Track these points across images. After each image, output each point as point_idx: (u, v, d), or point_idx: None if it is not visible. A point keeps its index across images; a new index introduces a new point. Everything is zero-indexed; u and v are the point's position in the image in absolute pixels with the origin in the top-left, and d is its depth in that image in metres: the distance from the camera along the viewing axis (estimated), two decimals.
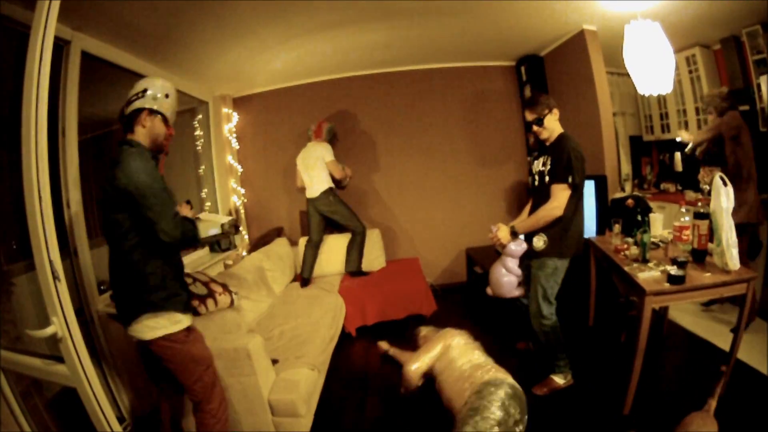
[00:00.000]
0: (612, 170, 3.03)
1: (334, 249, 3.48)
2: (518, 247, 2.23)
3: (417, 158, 3.91)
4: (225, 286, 2.21)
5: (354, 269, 3.36)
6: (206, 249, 3.22)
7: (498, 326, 2.82)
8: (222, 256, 3.22)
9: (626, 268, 1.91)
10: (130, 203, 1.31)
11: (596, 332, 2.61)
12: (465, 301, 3.57)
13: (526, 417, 1.44)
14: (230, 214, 3.54)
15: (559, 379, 2.10)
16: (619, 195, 2.71)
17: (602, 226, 2.67)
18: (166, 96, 1.44)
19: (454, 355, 1.68)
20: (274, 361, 2.02)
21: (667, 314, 2.56)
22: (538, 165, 2.06)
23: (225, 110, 3.60)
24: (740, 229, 1.91)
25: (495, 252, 3.21)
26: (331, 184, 3.22)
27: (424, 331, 2.04)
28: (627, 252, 2.07)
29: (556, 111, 1.99)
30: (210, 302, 2.04)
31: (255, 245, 3.50)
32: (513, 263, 2.42)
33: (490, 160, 3.94)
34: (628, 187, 3.95)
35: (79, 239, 1.98)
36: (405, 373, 1.72)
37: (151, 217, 1.31)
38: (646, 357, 1.78)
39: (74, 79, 1.99)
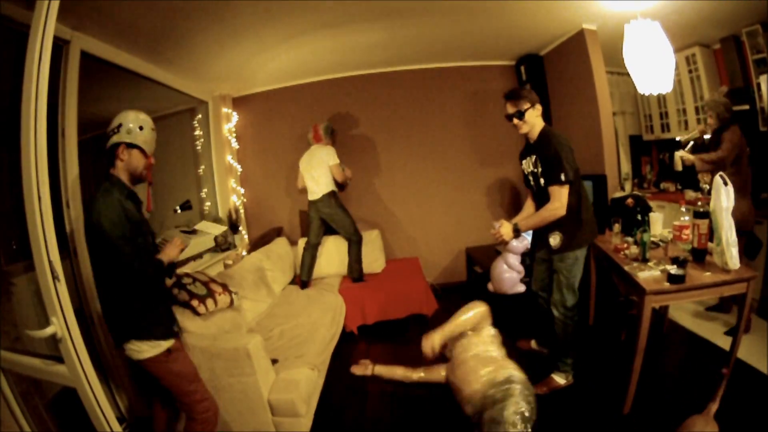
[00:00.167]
0: (612, 170, 3.03)
1: (334, 250, 3.48)
2: (520, 244, 2.23)
3: (417, 158, 3.91)
4: (225, 286, 2.21)
5: (356, 276, 3.35)
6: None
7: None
8: (222, 256, 3.22)
9: (626, 268, 1.91)
10: (97, 244, 1.42)
11: (596, 331, 2.61)
12: (465, 300, 3.56)
13: (535, 418, 1.45)
14: (230, 213, 3.53)
15: (559, 379, 2.10)
16: (618, 194, 2.71)
17: (602, 226, 2.67)
18: (140, 128, 1.48)
19: (476, 341, 1.76)
20: (274, 361, 2.02)
21: (667, 313, 2.56)
22: (528, 165, 2.06)
23: (225, 110, 3.60)
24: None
25: (495, 251, 3.22)
26: (334, 188, 3.21)
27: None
28: (627, 251, 2.07)
29: (538, 106, 1.97)
30: (210, 302, 2.04)
31: (255, 245, 3.50)
32: (515, 260, 2.42)
33: (490, 160, 3.94)
34: (627, 186, 3.95)
35: (79, 239, 1.97)
36: (424, 342, 1.84)
37: (111, 261, 1.40)
38: (646, 356, 1.78)
39: (74, 79, 1.98)
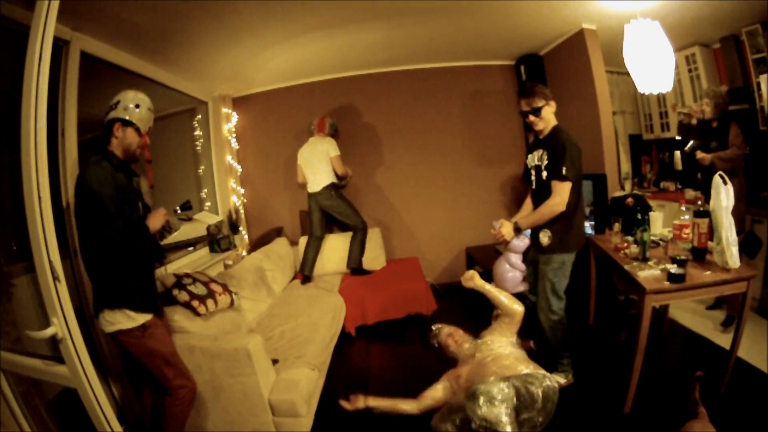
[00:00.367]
0: (612, 169, 3.03)
1: (335, 248, 3.48)
2: (521, 242, 2.23)
3: (417, 157, 3.91)
4: (225, 287, 2.21)
5: (355, 266, 3.35)
6: (206, 249, 3.22)
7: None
8: (222, 256, 3.22)
9: (626, 267, 1.91)
10: (84, 206, 1.43)
11: (596, 331, 2.61)
12: (465, 300, 3.57)
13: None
14: (230, 214, 3.54)
15: (560, 378, 2.09)
16: (618, 194, 2.71)
17: (602, 225, 2.67)
18: (137, 106, 1.51)
19: (489, 339, 1.73)
20: (275, 361, 2.02)
21: (668, 312, 2.56)
22: (533, 159, 2.05)
23: (224, 110, 3.60)
24: None
25: (495, 251, 3.22)
26: (334, 180, 3.21)
27: (446, 329, 1.91)
28: (627, 250, 2.07)
29: (553, 103, 1.97)
30: (210, 302, 2.04)
31: (255, 245, 3.50)
32: (516, 258, 2.42)
33: (490, 159, 3.94)
34: (627, 185, 3.95)
35: (78, 240, 1.97)
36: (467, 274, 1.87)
37: (96, 221, 1.40)
38: (647, 356, 1.78)
39: (74, 80, 1.98)
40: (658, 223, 2.32)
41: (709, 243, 1.89)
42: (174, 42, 2.41)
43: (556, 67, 3.50)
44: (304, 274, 3.33)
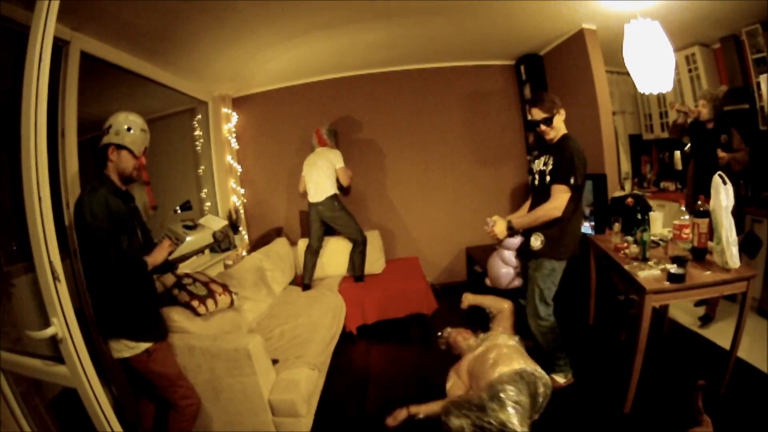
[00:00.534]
0: (612, 169, 3.03)
1: (335, 251, 3.48)
2: (515, 239, 2.23)
3: (416, 157, 3.91)
4: (225, 287, 2.21)
5: (357, 275, 3.35)
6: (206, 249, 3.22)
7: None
8: (222, 256, 3.22)
9: (626, 267, 1.91)
10: (81, 234, 1.45)
11: (596, 331, 2.61)
12: None
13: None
14: (230, 213, 3.53)
15: (559, 378, 2.10)
16: (618, 194, 2.71)
17: (602, 225, 2.67)
18: (128, 129, 1.51)
19: (492, 334, 1.86)
20: (275, 361, 2.02)
21: (668, 312, 2.56)
22: (539, 164, 2.05)
23: (224, 110, 3.60)
24: None
25: (494, 250, 3.22)
26: (337, 191, 3.20)
27: (455, 330, 2.02)
28: (627, 250, 2.07)
29: (563, 111, 1.96)
30: (210, 302, 2.04)
31: (255, 245, 3.50)
32: (510, 255, 2.42)
33: (490, 159, 3.94)
34: (627, 185, 3.95)
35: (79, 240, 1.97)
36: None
37: (91, 253, 1.44)
38: (647, 355, 1.78)
39: (73, 80, 1.98)
40: (658, 223, 2.32)
41: (709, 243, 1.89)
42: (174, 42, 2.41)
43: (556, 67, 3.50)
44: (304, 282, 3.32)
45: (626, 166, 4.10)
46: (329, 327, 2.55)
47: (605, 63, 3.03)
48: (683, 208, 2.08)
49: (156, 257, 1.55)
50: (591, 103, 3.05)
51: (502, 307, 2.01)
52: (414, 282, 3.17)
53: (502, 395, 1.44)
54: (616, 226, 2.28)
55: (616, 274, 2.14)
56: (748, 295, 1.75)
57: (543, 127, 1.95)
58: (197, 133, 3.50)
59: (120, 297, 1.49)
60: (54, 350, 1.33)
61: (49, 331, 1.24)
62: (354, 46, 3.09)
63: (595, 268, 2.54)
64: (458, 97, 3.88)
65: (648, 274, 1.79)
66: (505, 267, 2.41)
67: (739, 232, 1.82)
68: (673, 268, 1.72)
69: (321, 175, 3.16)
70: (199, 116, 3.50)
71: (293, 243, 3.68)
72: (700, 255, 1.88)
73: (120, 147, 1.50)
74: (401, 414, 1.79)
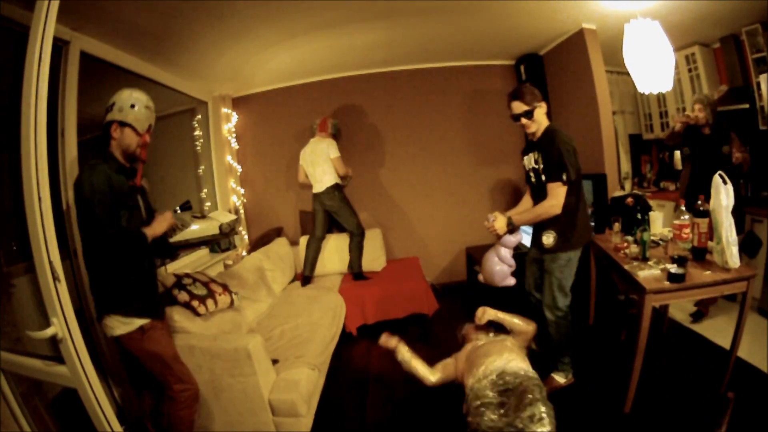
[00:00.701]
0: (611, 169, 3.03)
1: (335, 248, 3.48)
2: (513, 237, 2.23)
3: (416, 157, 3.91)
4: (225, 287, 2.21)
5: (356, 271, 3.36)
6: (206, 249, 3.22)
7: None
8: (222, 256, 3.22)
9: (626, 267, 1.91)
10: (80, 212, 1.43)
11: (596, 331, 2.61)
12: (465, 299, 3.57)
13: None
14: (230, 213, 3.54)
15: (560, 378, 2.10)
16: (618, 193, 2.71)
17: (602, 225, 2.67)
18: (132, 106, 1.47)
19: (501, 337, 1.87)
20: (275, 361, 2.02)
21: (668, 312, 2.56)
22: (529, 162, 2.05)
23: (224, 110, 3.60)
24: None
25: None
26: (338, 180, 3.22)
27: (470, 329, 2.03)
28: (627, 250, 2.07)
29: (544, 104, 1.96)
30: (210, 302, 2.04)
31: (255, 245, 3.50)
32: (507, 253, 2.42)
33: (490, 159, 3.94)
34: (627, 185, 3.95)
35: (79, 240, 1.97)
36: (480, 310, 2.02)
37: (90, 227, 1.41)
38: (647, 355, 1.78)
39: (73, 80, 1.98)
40: (658, 223, 2.32)
41: (709, 243, 1.89)
42: (174, 42, 2.40)
43: (556, 67, 3.50)
44: (305, 274, 3.33)
45: (626, 166, 4.10)
46: (329, 327, 2.55)
47: (605, 63, 3.03)
48: (683, 208, 2.08)
49: (155, 228, 1.51)
50: (591, 103, 3.05)
51: (528, 330, 1.91)
52: (414, 282, 3.17)
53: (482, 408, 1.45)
54: (616, 226, 2.28)
55: (616, 274, 2.14)
56: (748, 295, 1.75)
57: (524, 120, 1.95)
58: (197, 133, 3.50)
59: (116, 271, 1.46)
60: (54, 350, 1.34)
61: (49, 332, 1.24)
62: (354, 45, 3.09)
63: (595, 268, 2.54)
64: (458, 96, 3.88)
65: (648, 274, 1.79)
66: (499, 264, 2.41)
67: (739, 231, 1.82)
68: (673, 268, 1.72)
69: (319, 166, 3.18)
70: (199, 116, 3.50)
71: (293, 243, 3.68)
72: (700, 255, 1.88)
73: (123, 124, 1.47)
74: (391, 342, 1.96)
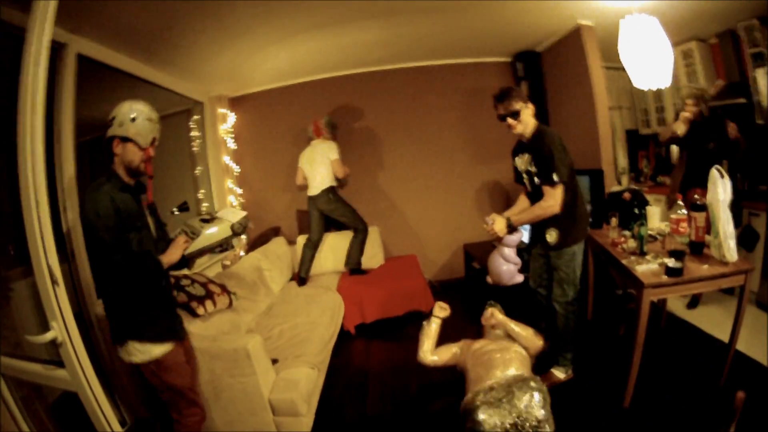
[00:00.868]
0: (608, 164, 3.04)
1: (333, 247, 3.48)
2: (514, 236, 2.24)
3: (414, 155, 3.91)
4: (223, 287, 2.21)
5: (354, 266, 3.36)
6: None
7: None
8: (220, 257, 3.22)
9: (624, 261, 1.91)
10: (87, 234, 1.36)
11: (595, 326, 2.62)
12: (463, 296, 3.58)
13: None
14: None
15: (559, 374, 2.11)
16: (616, 188, 2.72)
17: (600, 220, 2.68)
18: (132, 120, 1.39)
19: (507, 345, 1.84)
20: (274, 361, 2.02)
21: (666, 306, 2.57)
22: (522, 163, 2.05)
23: (221, 110, 3.59)
24: None
25: (492, 247, 3.23)
26: (333, 183, 3.21)
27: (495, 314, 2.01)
28: (624, 245, 2.07)
29: (531, 105, 1.97)
30: (208, 303, 2.04)
31: (252, 245, 3.50)
32: (510, 252, 2.43)
33: (487, 157, 3.94)
34: (624, 180, 3.95)
35: (77, 243, 1.96)
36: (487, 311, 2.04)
37: (97, 253, 1.35)
38: (645, 350, 1.79)
39: (70, 83, 1.97)
40: (656, 218, 2.32)
41: (707, 237, 1.90)
42: (170, 43, 2.40)
43: (553, 64, 3.50)
44: (300, 275, 3.33)
45: (623, 162, 4.11)
46: (328, 326, 2.55)
47: (602, 59, 3.03)
48: (680, 202, 2.09)
49: (171, 256, 1.45)
50: (588, 99, 3.05)
51: (536, 344, 1.87)
52: (412, 280, 3.18)
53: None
54: (614, 221, 2.28)
55: (614, 269, 2.15)
56: (746, 288, 1.76)
57: (510, 120, 1.95)
58: (194, 133, 3.49)
59: (128, 297, 1.40)
60: (53, 354, 1.34)
61: (48, 335, 1.24)
62: (351, 44, 3.08)
63: (593, 263, 2.55)
64: (455, 94, 3.87)
65: (646, 269, 1.80)
66: (506, 264, 2.42)
67: (736, 225, 1.83)
68: (671, 262, 1.72)
69: (316, 169, 3.17)
70: (196, 117, 3.49)
71: (291, 242, 3.68)
72: (697, 249, 1.88)
73: (125, 139, 1.40)
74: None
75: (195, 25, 2.26)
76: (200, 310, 1.98)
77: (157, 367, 1.44)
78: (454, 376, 1.91)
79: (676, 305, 2.74)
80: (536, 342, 1.88)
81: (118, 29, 2.05)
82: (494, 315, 1.96)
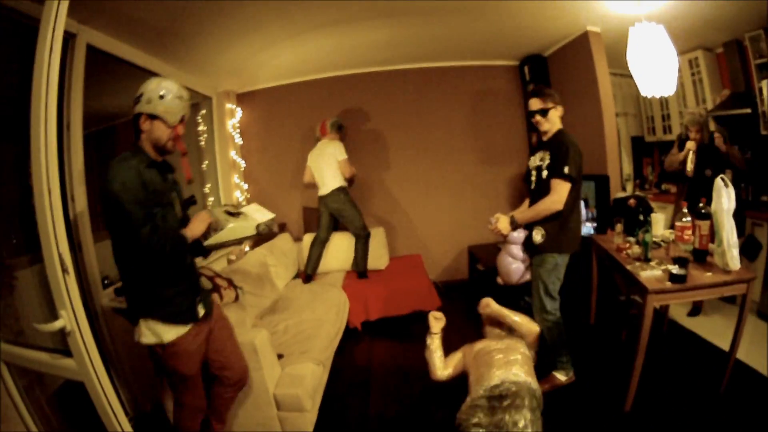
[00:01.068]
0: (614, 170, 3.05)
1: (339, 246, 3.48)
2: (520, 233, 2.25)
3: (420, 156, 3.92)
4: (230, 281, 2.21)
5: (360, 272, 3.36)
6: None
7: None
8: (225, 251, 3.22)
9: (628, 267, 1.92)
10: (108, 210, 1.30)
11: (598, 330, 2.63)
12: (467, 298, 3.59)
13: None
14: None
15: (560, 376, 2.12)
16: (621, 195, 2.73)
17: (604, 225, 2.69)
18: (161, 97, 1.35)
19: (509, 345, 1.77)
20: (279, 356, 2.02)
21: (668, 313, 2.59)
22: (535, 160, 2.06)
23: (229, 106, 3.59)
24: None
25: (497, 249, 3.24)
26: (343, 183, 3.21)
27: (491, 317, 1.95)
28: (629, 251, 2.08)
29: (561, 108, 1.99)
30: (215, 297, 2.04)
31: (258, 240, 3.49)
32: (517, 249, 2.43)
33: (493, 159, 3.95)
34: (629, 187, 3.97)
35: (84, 234, 1.97)
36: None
37: (120, 227, 1.30)
38: (647, 355, 1.80)
39: (79, 73, 1.97)
40: (660, 225, 2.33)
41: (710, 245, 1.91)
42: (180, 37, 2.40)
43: (560, 69, 3.51)
44: (307, 273, 3.33)
45: (628, 168, 4.12)
46: (333, 323, 2.56)
47: (609, 65, 3.04)
48: (685, 210, 2.10)
49: (194, 229, 1.40)
50: (594, 105, 3.06)
51: (531, 330, 1.82)
52: (417, 279, 3.18)
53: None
54: (619, 227, 2.29)
55: (618, 274, 2.16)
56: (748, 297, 1.77)
57: (538, 117, 1.98)
58: (201, 128, 3.49)
59: (149, 274, 1.36)
60: (58, 343, 1.34)
61: (57, 324, 1.24)
62: (359, 44, 3.09)
63: (597, 268, 2.56)
64: (462, 96, 3.89)
65: (650, 275, 1.81)
66: (515, 262, 2.43)
67: (739, 235, 1.84)
68: (674, 269, 1.74)
69: (325, 169, 3.17)
70: (204, 111, 3.50)
71: (297, 239, 3.69)
72: (701, 256, 1.89)
73: (153, 117, 1.36)
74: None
75: (204, 21, 2.26)
76: None
77: (164, 351, 1.42)
78: (455, 378, 1.91)
79: (678, 313, 2.76)
80: (533, 329, 1.83)
81: (128, 21, 2.05)
82: (489, 304, 1.90)
